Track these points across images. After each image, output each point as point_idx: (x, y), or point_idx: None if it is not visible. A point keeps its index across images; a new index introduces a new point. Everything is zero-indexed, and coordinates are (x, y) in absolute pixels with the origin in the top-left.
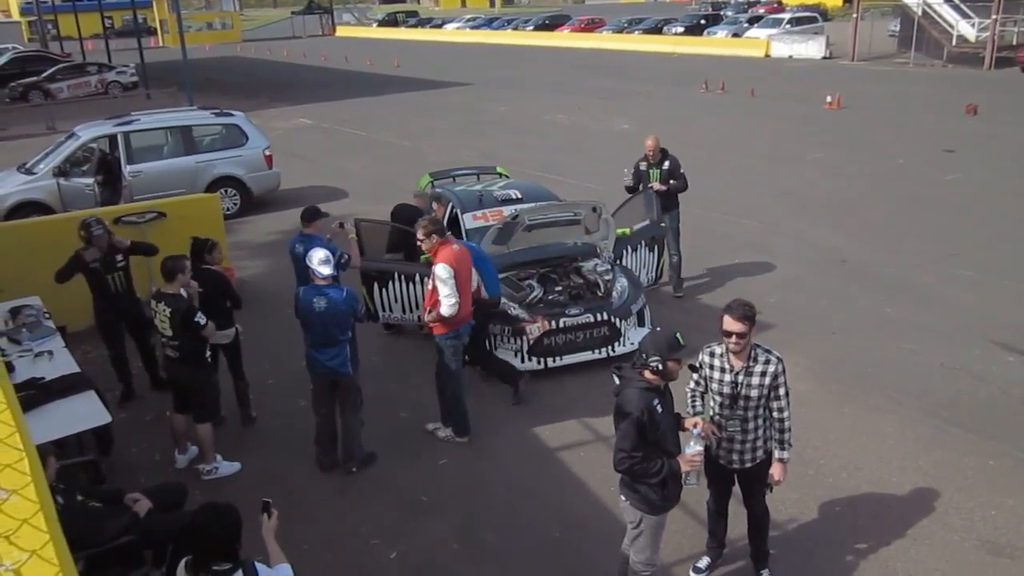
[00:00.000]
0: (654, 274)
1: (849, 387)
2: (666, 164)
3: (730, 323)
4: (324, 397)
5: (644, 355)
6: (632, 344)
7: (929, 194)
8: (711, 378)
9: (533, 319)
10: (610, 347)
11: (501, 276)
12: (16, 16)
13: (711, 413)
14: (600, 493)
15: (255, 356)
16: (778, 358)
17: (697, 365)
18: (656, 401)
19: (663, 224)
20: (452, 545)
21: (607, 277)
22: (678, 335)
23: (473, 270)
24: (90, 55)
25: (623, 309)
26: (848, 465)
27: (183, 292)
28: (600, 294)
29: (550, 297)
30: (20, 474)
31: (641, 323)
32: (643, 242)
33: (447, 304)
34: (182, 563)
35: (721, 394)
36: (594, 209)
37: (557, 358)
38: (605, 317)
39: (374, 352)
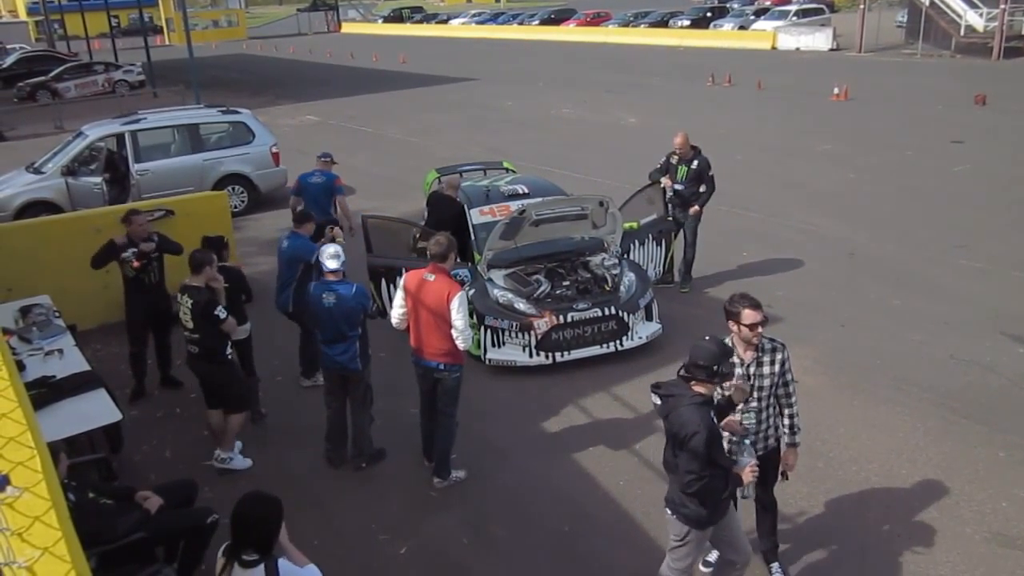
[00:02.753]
0: (661, 268)
1: (859, 379)
2: (695, 163)
3: (752, 315)
4: (335, 392)
5: (702, 365)
6: (640, 338)
7: (937, 185)
8: None
9: (541, 314)
10: (618, 341)
11: (509, 271)
12: (23, 16)
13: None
14: (609, 487)
15: (264, 353)
16: (782, 344)
17: None
18: (711, 413)
19: (669, 219)
20: (462, 540)
21: (614, 271)
22: (726, 339)
23: (454, 311)
24: (97, 54)
25: (631, 303)
26: (858, 458)
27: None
28: (608, 288)
29: (557, 292)
30: (32, 472)
31: (649, 317)
32: (650, 236)
33: (391, 313)
34: (224, 546)
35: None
36: (601, 203)
37: (565, 353)
38: (613, 311)
39: (384, 348)
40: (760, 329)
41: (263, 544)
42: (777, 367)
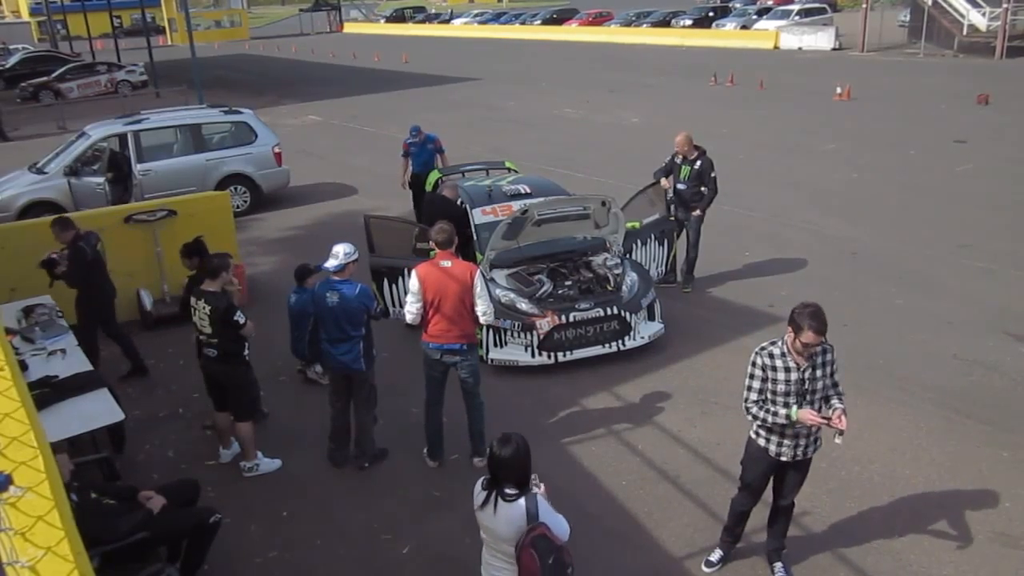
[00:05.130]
0: (664, 268)
1: (861, 379)
2: (698, 163)
3: (814, 339)
4: (339, 392)
5: None
6: (643, 338)
7: (940, 185)
8: (775, 380)
9: (543, 314)
10: (620, 341)
11: (511, 271)
12: (26, 16)
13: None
14: (612, 487)
15: (266, 353)
16: (830, 345)
17: (757, 371)
18: None
19: (671, 219)
20: (464, 539)
21: (617, 271)
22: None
23: (477, 296)
24: (99, 54)
25: (633, 303)
26: (861, 457)
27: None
28: (610, 288)
29: (560, 292)
30: (35, 471)
31: (651, 317)
32: (653, 236)
33: (405, 310)
34: (480, 480)
35: (788, 394)
36: (603, 203)
37: (567, 352)
38: (615, 311)
39: (387, 348)
40: (815, 350)
41: (521, 480)
42: (828, 368)
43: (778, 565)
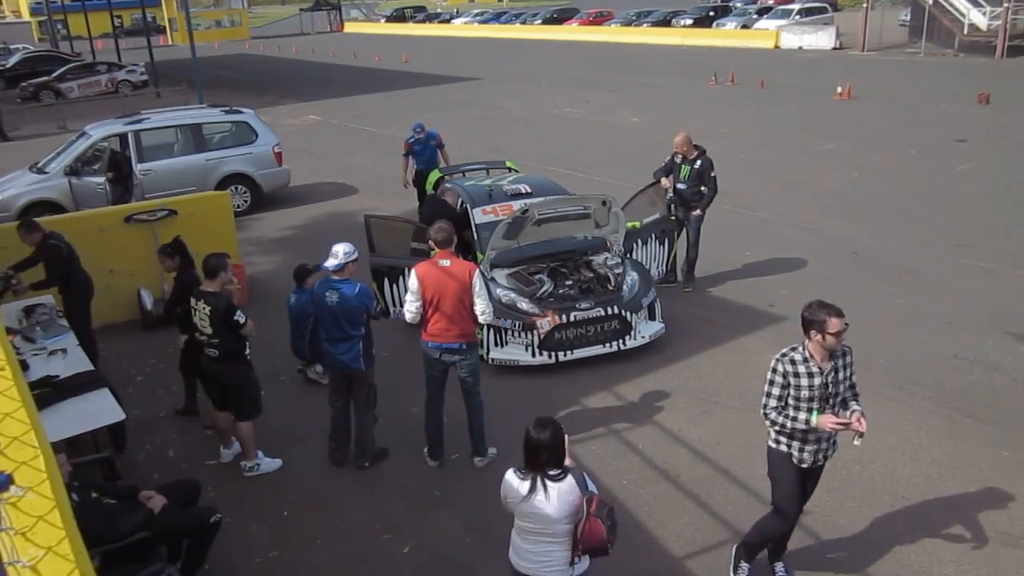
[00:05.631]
0: (664, 267)
1: (862, 379)
2: (698, 163)
3: (838, 323)
4: (339, 391)
5: None
6: (643, 338)
7: (941, 184)
8: (798, 386)
9: (543, 313)
10: (621, 341)
11: (512, 270)
12: (26, 16)
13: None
14: (612, 487)
15: (267, 352)
16: (849, 347)
17: (777, 378)
18: None
19: (672, 218)
20: (464, 539)
21: (617, 271)
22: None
23: (476, 295)
24: (100, 54)
25: (633, 303)
26: (861, 457)
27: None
28: (610, 288)
29: (560, 291)
30: (36, 471)
31: (652, 316)
32: (653, 235)
33: (405, 308)
34: (512, 472)
35: (811, 399)
36: (604, 203)
37: (568, 352)
38: (616, 311)
39: (387, 348)
40: (839, 349)
41: (559, 459)
42: (849, 371)
43: (779, 565)
